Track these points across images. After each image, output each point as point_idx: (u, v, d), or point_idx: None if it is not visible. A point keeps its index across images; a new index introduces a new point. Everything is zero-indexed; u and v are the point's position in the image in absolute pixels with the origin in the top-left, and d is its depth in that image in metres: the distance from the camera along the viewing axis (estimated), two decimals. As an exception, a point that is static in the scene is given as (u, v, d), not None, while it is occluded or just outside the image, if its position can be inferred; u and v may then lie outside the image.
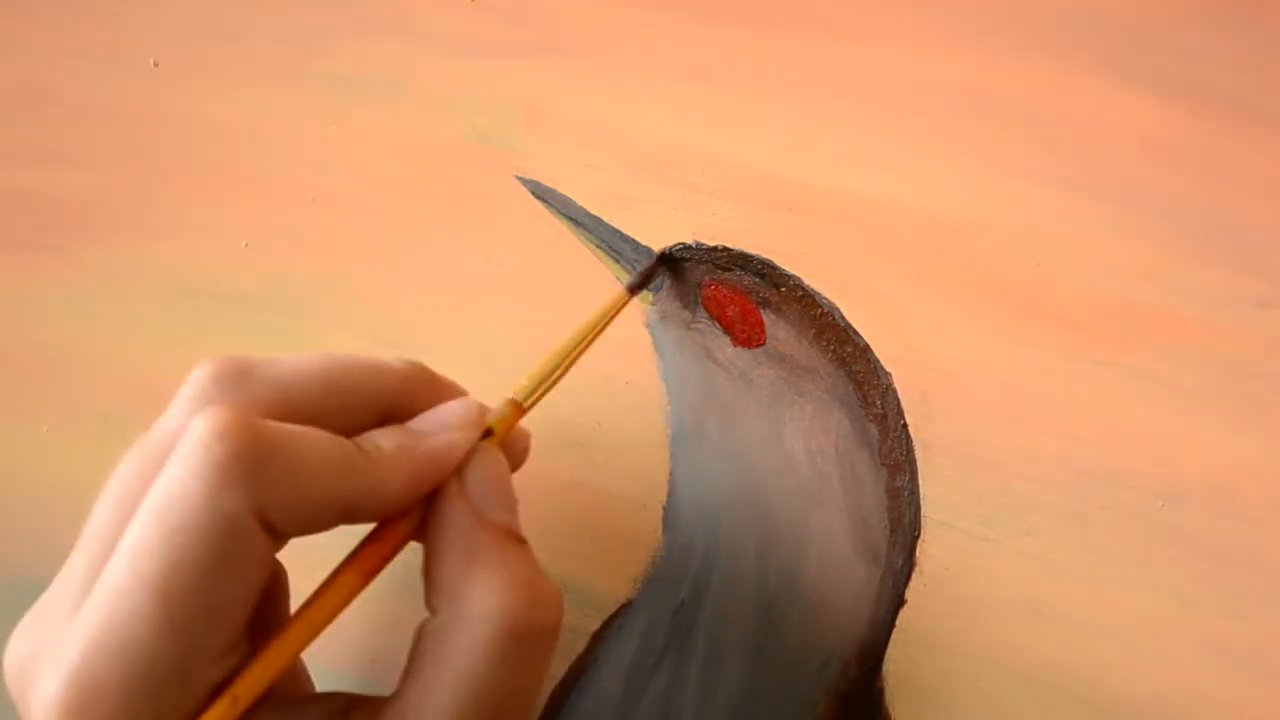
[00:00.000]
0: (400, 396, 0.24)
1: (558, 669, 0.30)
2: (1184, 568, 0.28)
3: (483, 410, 0.24)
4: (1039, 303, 0.30)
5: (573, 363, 0.26)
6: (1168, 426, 0.29)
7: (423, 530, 0.22)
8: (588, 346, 0.27)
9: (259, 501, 0.19)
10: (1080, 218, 0.31)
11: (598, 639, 0.29)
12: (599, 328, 0.27)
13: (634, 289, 0.30)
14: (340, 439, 0.21)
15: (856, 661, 0.28)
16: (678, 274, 0.31)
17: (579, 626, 0.30)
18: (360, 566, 0.22)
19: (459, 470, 0.22)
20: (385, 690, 0.21)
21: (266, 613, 0.22)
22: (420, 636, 0.21)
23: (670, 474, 0.30)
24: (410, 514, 0.22)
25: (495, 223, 0.33)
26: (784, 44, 0.33)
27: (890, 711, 0.28)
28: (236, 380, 0.22)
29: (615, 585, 0.30)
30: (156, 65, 0.35)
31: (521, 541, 0.23)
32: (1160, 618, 0.28)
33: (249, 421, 0.20)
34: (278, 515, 0.20)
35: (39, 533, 0.31)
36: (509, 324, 0.32)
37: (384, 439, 0.22)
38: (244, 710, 0.19)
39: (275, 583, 0.23)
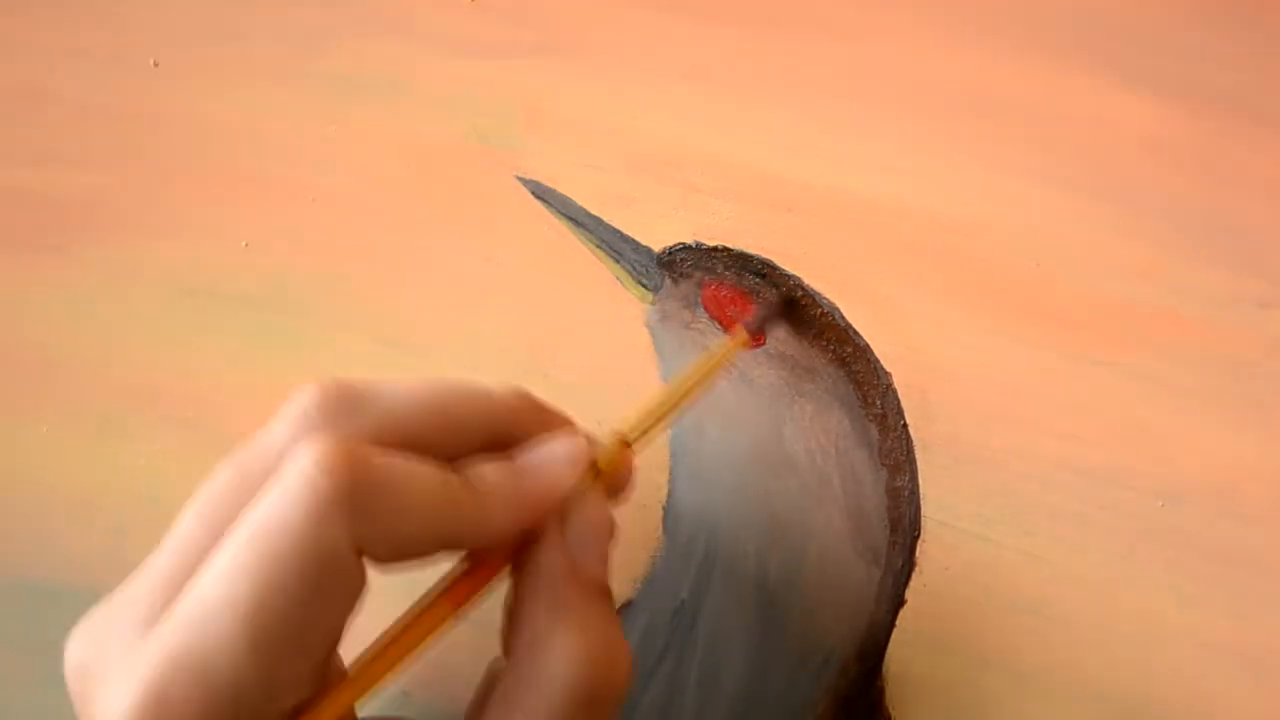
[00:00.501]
0: (506, 425, 0.23)
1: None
2: (1184, 568, 0.28)
3: (589, 445, 0.23)
4: (1039, 303, 0.30)
5: (688, 401, 0.26)
6: (1168, 426, 0.29)
7: (515, 566, 0.22)
8: (706, 383, 0.26)
9: (359, 536, 0.19)
10: (1080, 218, 0.31)
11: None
12: (716, 367, 0.27)
13: (756, 332, 0.29)
14: (445, 472, 0.21)
15: (856, 661, 0.28)
16: (677, 274, 0.31)
17: (579, 626, 0.30)
18: (452, 599, 0.21)
19: (561, 511, 0.22)
20: None
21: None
22: (491, 679, 0.21)
23: (670, 474, 0.30)
24: (507, 548, 0.22)
25: (495, 223, 0.33)
26: (784, 44, 0.33)
27: (890, 711, 0.28)
28: (344, 407, 0.21)
29: (615, 585, 0.30)
30: (156, 65, 0.35)
31: (608, 597, 0.22)
32: (1160, 618, 0.28)
33: (355, 455, 0.19)
34: (377, 548, 0.19)
35: (39, 533, 0.31)
36: (509, 324, 0.32)
37: (489, 471, 0.21)
38: None
39: None
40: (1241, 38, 0.31)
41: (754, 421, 0.30)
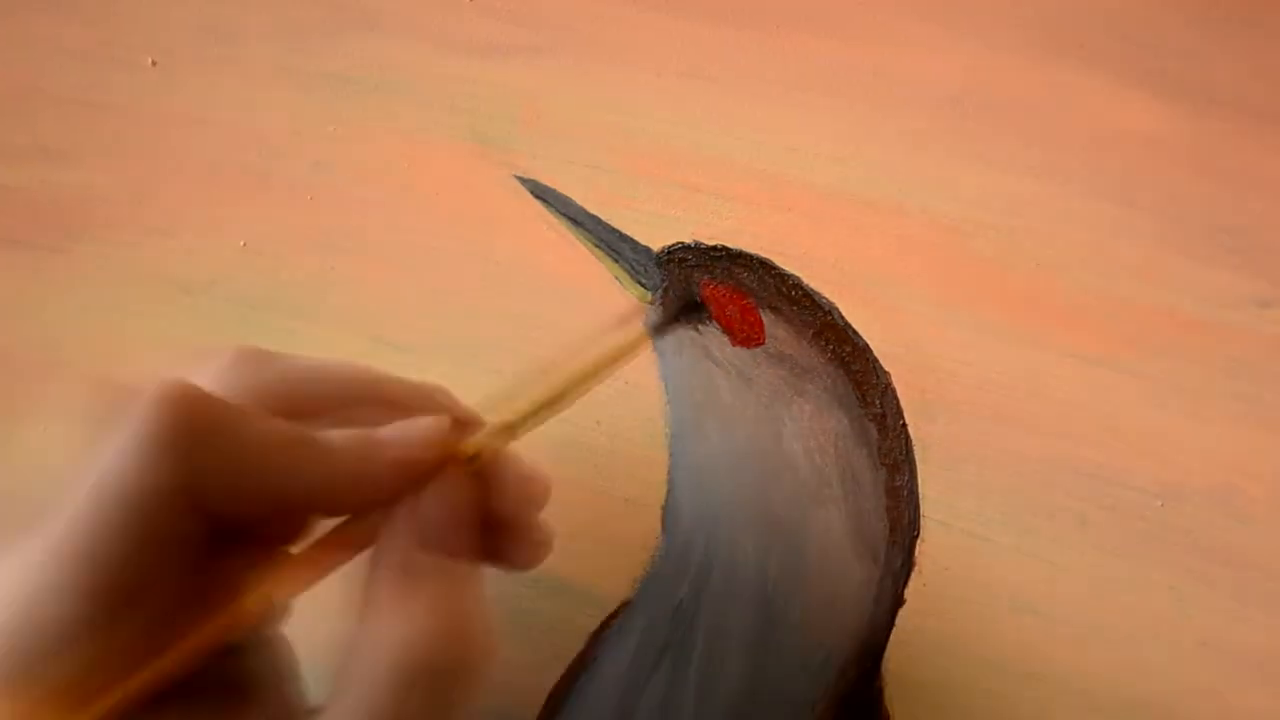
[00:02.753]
0: (404, 412, 0.23)
1: (557, 668, 0.30)
2: (1184, 568, 0.28)
3: (450, 428, 0.23)
4: (1039, 303, 0.30)
5: (580, 395, 0.26)
6: (1168, 426, 0.29)
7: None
8: (599, 380, 0.26)
9: (190, 474, 0.19)
10: (1080, 218, 0.31)
11: (598, 639, 0.29)
12: (613, 363, 0.27)
13: (658, 329, 0.29)
14: (292, 426, 0.21)
15: (856, 661, 0.28)
16: (676, 274, 0.31)
17: (579, 626, 0.30)
18: (299, 562, 0.21)
19: (418, 489, 0.22)
20: None
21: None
22: (343, 651, 0.21)
23: (670, 474, 0.30)
24: (366, 523, 0.22)
25: (495, 223, 0.33)
26: (784, 44, 0.33)
27: (890, 711, 0.28)
28: (251, 364, 0.22)
29: (615, 585, 0.30)
30: (155, 65, 0.35)
31: (461, 574, 0.22)
32: (1160, 618, 0.28)
33: (189, 392, 0.19)
34: (210, 491, 0.19)
35: (39, 532, 0.31)
36: (509, 324, 0.32)
37: (339, 436, 0.21)
38: (147, 688, 0.19)
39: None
40: (1241, 38, 0.31)
41: (753, 421, 0.30)
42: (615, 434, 0.31)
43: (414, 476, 0.22)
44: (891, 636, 0.28)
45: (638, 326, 0.29)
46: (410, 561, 0.21)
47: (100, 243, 0.34)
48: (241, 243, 0.33)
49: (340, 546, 0.22)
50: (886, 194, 0.31)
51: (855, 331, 0.30)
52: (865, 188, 0.32)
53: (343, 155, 0.34)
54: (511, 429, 0.24)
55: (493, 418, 0.24)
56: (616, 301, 0.31)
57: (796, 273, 0.31)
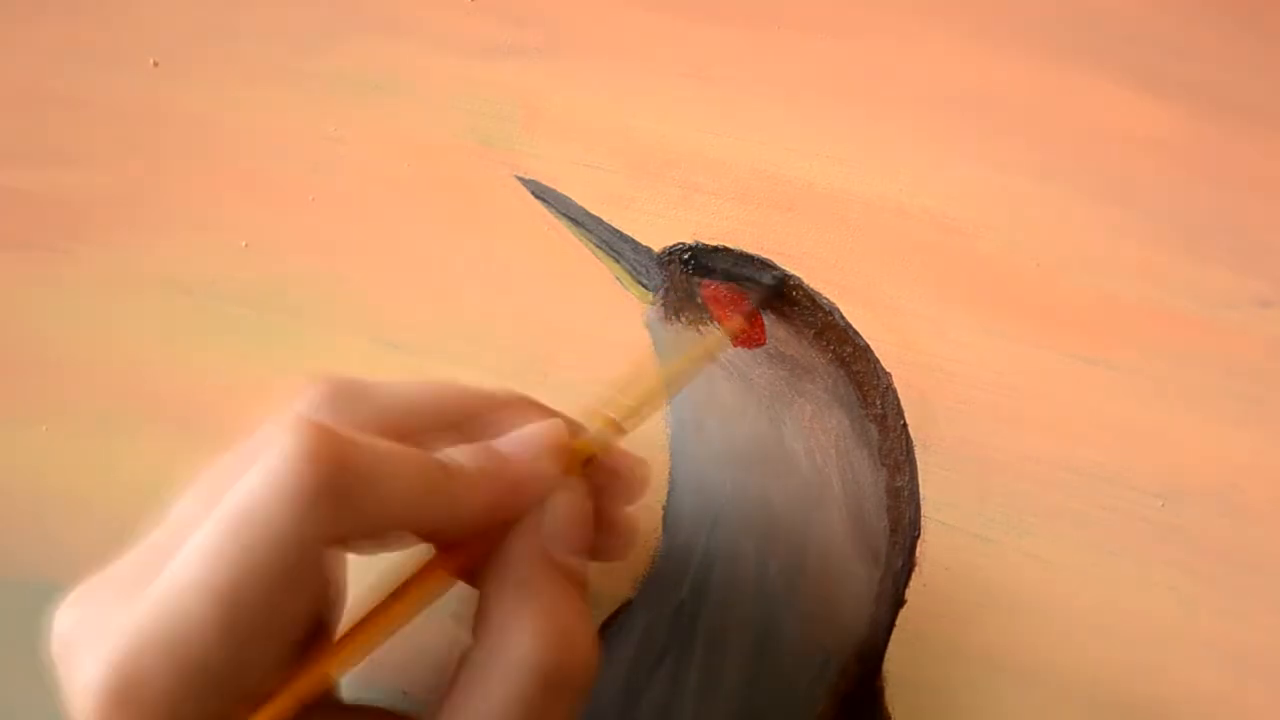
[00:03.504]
0: (499, 420, 0.23)
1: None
2: (1184, 568, 0.28)
3: (569, 433, 0.23)
4: (1039, 303, 0.30)
5: (679, 385, 0.26)
6: (1168, 426, 0.29)
7: (489, 553, 0.22)
8: (697, 368, 0.26)
9: (338, 526, 0.19)
10: (1080, 218, 0.31)
11: (598, 639, 0.29)
12: (709, 352, 0.27)
13: (751, 315, 0.29)
14: (426, 456, 0.21)
15: (856, 661, 0.28)
16: (677, 274, 0.31)
17: (579, 626, 0.30)
18: (423, 583, 0.21)
19: (538, 498, 0.22)
20: None
21: (321, 617, 0.21)
22: (459, 664, 0.21)
23: (670, 474, 0.30)
24: (482, 536, 0.22)
25: (495, 223, 0.33)
26: (784, 44, 0.33)
27: (890, 711, 0.28)
28: (340, 399, 0.22)
29: (615, 585, 0.30)
30: (156, 65, 0.35)
31: (579, 586, 0.22)
32: (1160, 618, 0.28)
33: (337, 441, 0.19)
34: (355, 539, 0.20)
35: (39, 533, 0.31)
36: (508, 324, 0.32)
37: (464, 455, 0.21)
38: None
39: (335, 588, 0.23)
40: (1242, 38, 0.31)
41: (754, 421, 0.30)
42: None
43: (540, 488, 0.22)
44: (892, 636, 0.28)
45: (734, 318, 0.29)
46: (532, 577, 0.21)
47: (100, 243, 0.34)
48: (243, 243, 0.33)
49: (457, 562, 0.22)
50: (886, 194, 0.31)
51: (856, 332, 0.30)
52: (865, 188, 0.32)
53: (343, 155, 0.34)
54: (619, 425, 0.24)
55: (590, 418, 0.24)
56: (617, 301, 0.31)
57: (796, 273, 0.31)
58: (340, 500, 0.19)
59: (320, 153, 0.34)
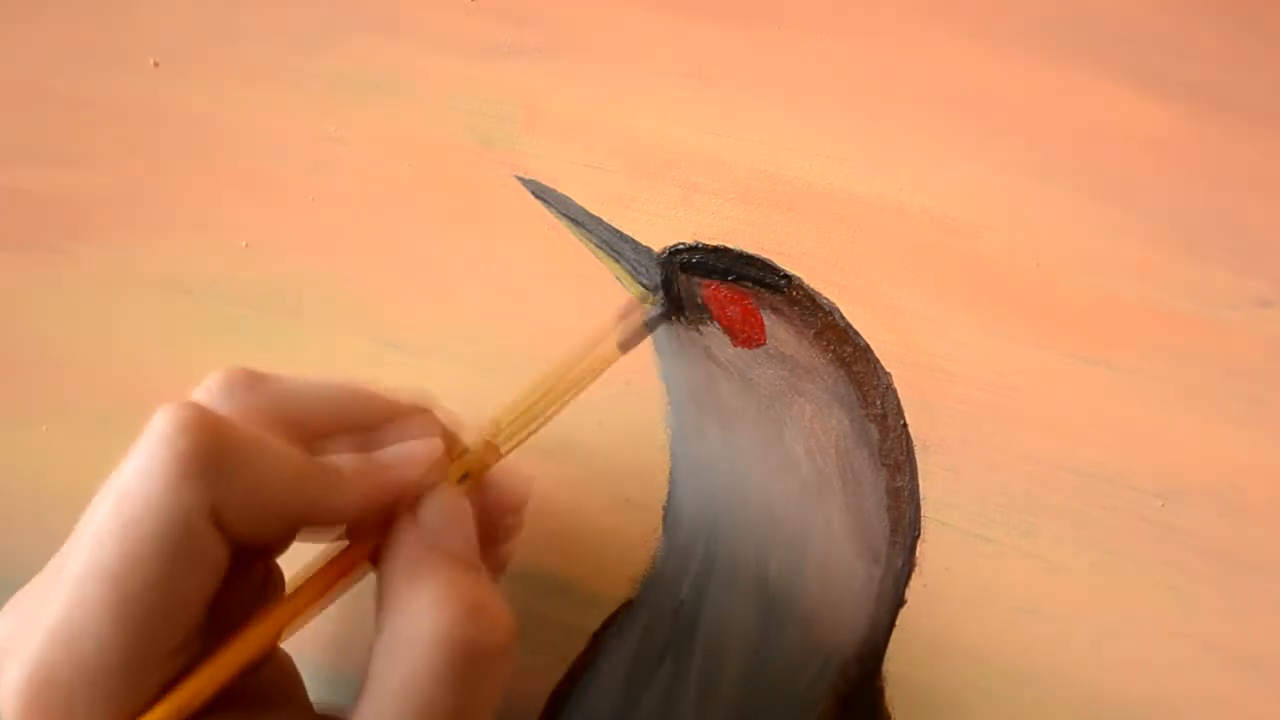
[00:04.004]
0: (396, 428, 0.24)
1: (558, 669, 0.30)
2: (1184, 568, 0.28)
3: (445, 449, 0.24)
4: (1039, 303, 0.30)
5: (558, 410, 0.27)
6: (1168, 426, 0.29)
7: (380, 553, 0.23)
8: (575, 395, 0.27)
9: (213, 499, 0.19)
10: (1080, 218, 0.31)
11: (598, 639, 0.29)
12: (589, 378, 0.28)
13: (624, 347, 0.30)
14: (301, 453, 0.22)
15: (856, 661, 0.28)
16: (677, 274, 0.31)
17: (579, 626, 0.30)
18: (312, 586, 0.22)
19: (414, 499, 0.23)
20: None
21: (242, 618, 0.22)
22: (370, 656, 0.21)
23: (670, 474, 0.30)
24: (367, 539, 0.23)
25: (495, 223, 0.33)
26: (784, 44, 0.33)
27: (890, 711, 0.28)
28: (243, 388, 0.22)
29: (615, 585, 0.30)
30: (156, 65, 0.35)
31: (474, 567, 0.22)
32: (1160, 618, 0.28)
33: (211, 419, 0.20)
34: (231, 515, 0.20)
35: (39, 533, 0.31)
36: (509, 324, 0.32)
37: (345, 459, 0.22)
38: (187, 713, 0.19)
39: (262, 591, 0.23)
40: (1241, 38, 0.31)
41: (754, 421, 0.30)
42: (615, 434, 0.31)
43: (413, 496, 0.23)
44: (892, 636, 0.28)
45: (610, 343, 0.30)
46: (419, 560, 0.22)
47: (101, 243, 0.34)
48: (243, 243, 0.33)
49: (343, 564, 0.23)
50: (886, 194, 0.31)
51: (856, 332, 0.30)
52: (865, 188, 0.32)
53: (343, 155, 0.34)
54: (495, 448, 0.25)
55: (476, 431, 0.25)
56: (617, 302, 0.31)
57: (796, 273, 0.31)
58: (211, 472, 0.19)
59: (320, 153, 0.34)
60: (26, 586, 0.21)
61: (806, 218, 0.32)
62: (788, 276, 0.31)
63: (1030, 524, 0.29)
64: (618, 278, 0.32)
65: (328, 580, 0.22)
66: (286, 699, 0.23)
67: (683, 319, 0.31)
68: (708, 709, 0.28)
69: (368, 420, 0.24)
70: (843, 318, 0.30)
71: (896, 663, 0.28)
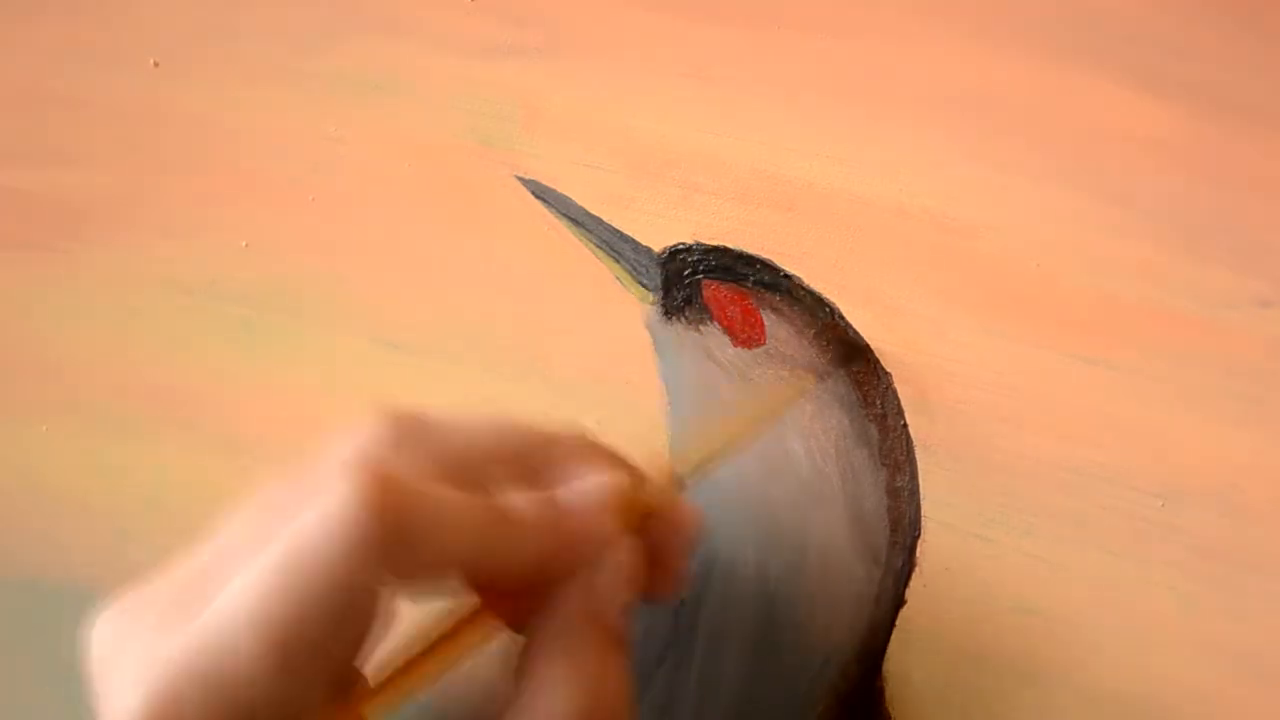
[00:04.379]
0: (563, 465, 0.23)
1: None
2: (1184, 568, 0.28)
3: (632, 487, 0.22)
4: (1039, 303, 0.30)
5: (748, 442, 0.26)
6: (1168, 426, 0.29)
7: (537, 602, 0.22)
8: (769, 423, 0.26)
9: (393, 574, 0.19)
10: (1080, 218, 0.31)
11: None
12: (779, 408, 0.27)
13: (824, 375, 0.29)
14: (486, 505, 0.21)
15: (856, 661, 0.28)
16: (677, 274, 0.31)
17: (579, 626, 0.30)
18: (472, 632, 0.21)
19: (592, 552, 0.21)
20: None
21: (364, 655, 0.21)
22: (500, 713, 0.21)
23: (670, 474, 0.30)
24: (529, 584, 0.21)
25: (495, 223, 0.33)
26: (784, 44, 0.33)
27: (890, 711, 0.28)
28: (409, 439, 0.21)
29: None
30: (156, 65, 0.35)
31: (623, 649, 0.22)
32: (1160, 618, 0.28)
33: (398, 495, 0.19)
34: (407, 579, 0.19)
35: (39, 533, 0.31)
36: (509, 324, 0.32)
37: (526, 505, 0.21)
38: None
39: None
40: (1241, 38, 0.31)
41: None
42: (615, 434, 0.31)
43: (597, 545, 0.22)
44: (892, 636, 0.28)
45: (805, 379, 0.29)
46: (583, 634, 0.21)
47: (101, 243, 0.34)
48: (242, 243, 0.33)
49: (501, 618, 0.21)
50: (886, 194, 0.31)
51: (856, 332, 0.30)
52: (865, 188, 0.32)
53: (343, 155, 0.34)
54: (681, 480, 0.24)
55: (651, 466, 0.24)
56: (617, 301, 0.31)
57: (796, 273, 0.31)
58: (397, 550, 0.19)
59: (320, 153, 0.34)
60: (138, 598, 0.20)
61: (806, 218, 0.32)
62: (788, 276, 0.31)
63: (1030, 524, 0.29)
64: (617, 278, 0.32)
65: (471, 635, 0.21)
66: None
67: (683, 319, 0.31)
68: (708, 709, 0.28)
69: (531, 454, 0.23)
70: (843, 318, 0.30)
71: (896, 663, 0.28)
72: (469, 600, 0.22)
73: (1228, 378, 0.29)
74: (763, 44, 0.33)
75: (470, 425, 0.22)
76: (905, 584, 0.29)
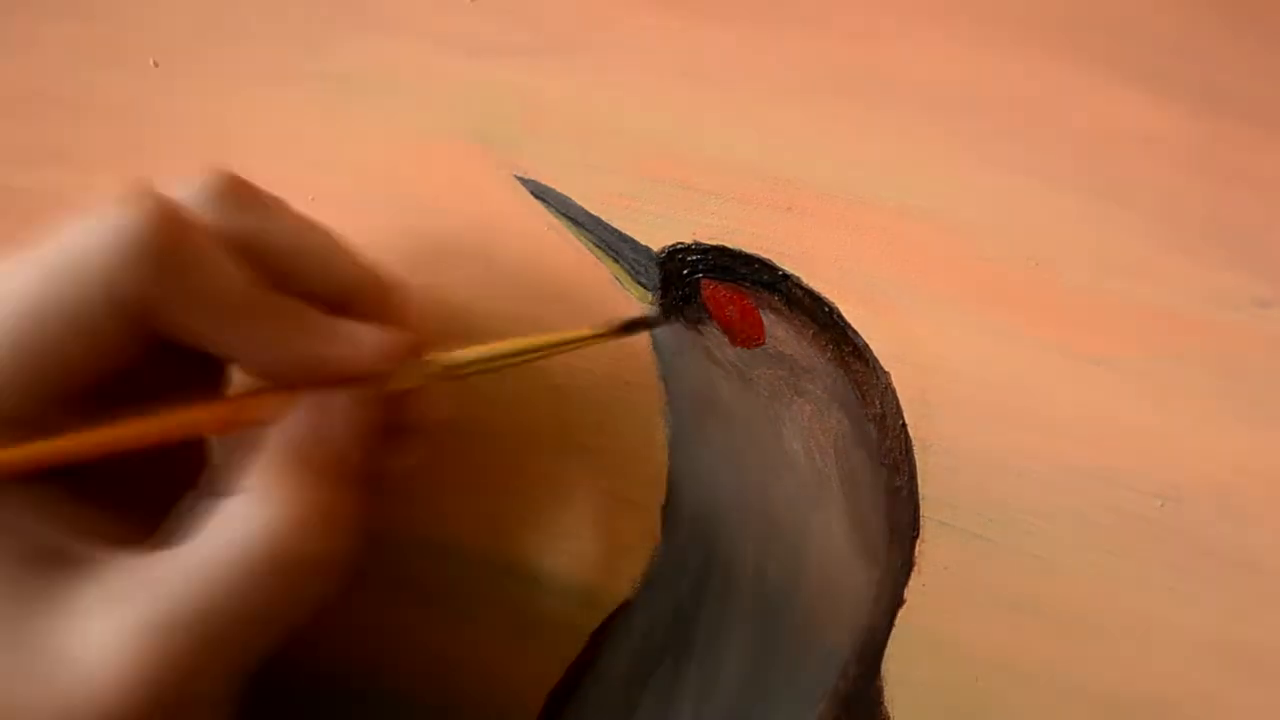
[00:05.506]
0: (367, 301, 0.24)
1: (557, 669, 0.30)
2: (1184, 568, 0.28)
3: (404, 356, 0.23)
4: (1038, 302, 0.30)
5: (515, 364, 0.26)
6: (1168, 426, 0.29)
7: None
8: (550, 354, 0.27)
9: (156, 293, 0.19)
10: (1079, 217, 0.31)
11: (598, 639, 0.29)
12: (571, 345, 0.28)
13: (619, 331, 0.30)
14: (261, 289, 0.21)
15: (856, 661, 0.28)
16: (676, 273, 0.31)
17: (579, 626, 0.30)
18: (212, 411, 0.22)
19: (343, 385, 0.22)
20: None
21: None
22: (193, 501, 0.21)
23: (670, 474, 0.30)
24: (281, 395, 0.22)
25: (495, 223, 0.33)
26: (784, 44, 0.33)
27: (890, 712, 0.28)
28: (230, 204, 0.22)
29: (615, 585, 0.30)
30: (156, 65, 0.35)
31: (341, 482, 0.22)
32: (1160, 618, 0.28)
33: (183, 225, 0.20)
34: (163, 316, 0.20)
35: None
36: (509, 324, 0.32)
37: (301, 312, 0.22)
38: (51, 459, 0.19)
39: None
40: (1241, 38, 0.31)
41: (753, 421, 0.30)
42: (615, 434, 0.31)
43: (350, 377, 0.22)
44: (892, 636, 0.28)
45: (612, 325, 0.30)
46: (306, 450, 0.21)
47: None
48: (242, 243, 0.33)
49: (258, 409, 0.22)
50: (886, 194, 0.31)
51: (855, 331, 0.30)
52: (865, 188, 0.32)
53: (343, 155, 0.34)
54: (451, 372, 0.25)
55: (436, 350, 0.25)
56: (616, 302, 0.31)
57: (796, 273, 0.31)
58: (166, 272, 0.19)
59: (320, 153, 0.34)
60: None
61: (806, 218, 0.32)
62: (787, 276, 0.31)
63: (1030, 524, 0.29)
64: (617, 278, 0.32)
65: (228, 413, 0.22)
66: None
67: (682, 319, 0.31)
68: (708, 709, 0.28)
69: (343, 283, 0.24)
70: (842, 317, 0.30)
71: (896, 663, 0.28)
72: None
73: (1228, 378, 0.29)
74: (763, 44, 0.33)
75: (296, 230, 0.23)
76: (904, 584, 0.29)
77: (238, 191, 0.23)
